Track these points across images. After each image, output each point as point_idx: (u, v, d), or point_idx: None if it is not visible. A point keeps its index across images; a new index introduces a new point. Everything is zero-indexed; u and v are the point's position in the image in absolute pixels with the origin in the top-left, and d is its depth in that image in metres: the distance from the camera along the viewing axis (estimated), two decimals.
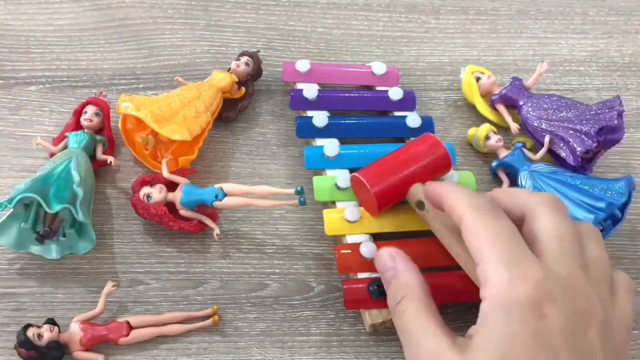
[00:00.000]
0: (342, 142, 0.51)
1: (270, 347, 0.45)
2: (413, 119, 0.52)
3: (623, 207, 0.48)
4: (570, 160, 0.50)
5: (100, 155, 0.50)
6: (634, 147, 0.56)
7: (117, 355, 0.44)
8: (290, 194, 0.46)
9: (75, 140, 0.49)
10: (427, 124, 0.53)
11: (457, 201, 0.39)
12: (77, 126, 0.51)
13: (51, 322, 0.43)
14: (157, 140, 0.51)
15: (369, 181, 0.45)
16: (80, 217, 0.44)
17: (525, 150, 0.52)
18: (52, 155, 0.50)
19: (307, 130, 0.52)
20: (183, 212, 0.47)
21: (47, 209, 0.44)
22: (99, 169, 0.51)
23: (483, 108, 0.56)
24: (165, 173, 0.48)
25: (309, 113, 0.53)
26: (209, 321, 0.45)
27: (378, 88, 0.55)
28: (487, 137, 0.53)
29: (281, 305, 0.47)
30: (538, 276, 0.34)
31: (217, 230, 0.47)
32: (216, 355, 0.45)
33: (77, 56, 0.58)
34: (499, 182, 0.53)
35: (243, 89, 0.54)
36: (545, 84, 0.59)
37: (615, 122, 0.50)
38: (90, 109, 0.51)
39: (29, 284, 0.46)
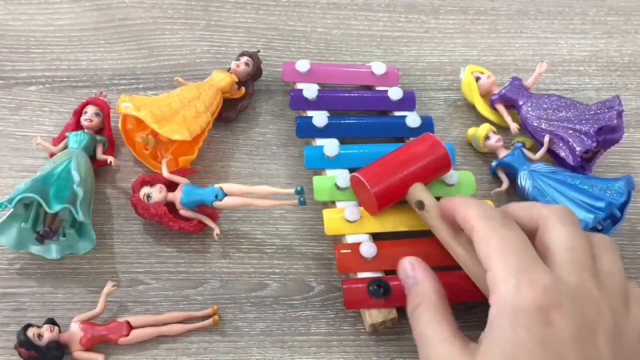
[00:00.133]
0: (342, 142, 0.51)
1: (270, 346, 0.45)
2: (413, 119, 0.52)
3: (622, 207, 0.48)
4: (570, 160, 0.50)
5: (100, 155, 0.50)
6: (634, 147, 0.56)
7: (117, 355, 0.44)
8: (290, 193, 0.46)
9: (76, 140, 0.49)
10: (427, 124, 0.53)
11: (470, 212, 0.39)
12: (77, 126, 0.51)
13: (51, 322, 0.43)
14: (157, 140, 0.51)
15: (368, 181, 0.45)
16: (80, 217, 0.44)
17: (525, 150, 0.52)
18: (52, 155, 0.50)
19: (307, 130, 0.52)
20: (183, 212, 0.47)
21: (47, 209, 0.44)
22: (99, 169, 0.51)
23: (483, 108, 0.56)
24: (165, 173, 0.48)
25: (309, 113, 0.53)
26: (209, 321, 0.45)
27: (378, 88, 0.55)
28: (487, 137, 0.53)
29: (281, 305, 0.47)
30: (546, 283, 0.35)
31: (217, 230, 0.47)
32: (216, 355, 0.45)
33: (77, 56, 0.58)
34: (498, 182, 0.53)
35: (243, 89, 0.54)
36: (545, 84, 0.59)
37: (615, 121, 0.50)
38: (90, 109, 0.51)
39: (29, 284, 0.46)
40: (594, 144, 0.49)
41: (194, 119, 0.50)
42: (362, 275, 0.45)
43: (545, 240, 0.38)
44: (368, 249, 0.45)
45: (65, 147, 0.50)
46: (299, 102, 0.53)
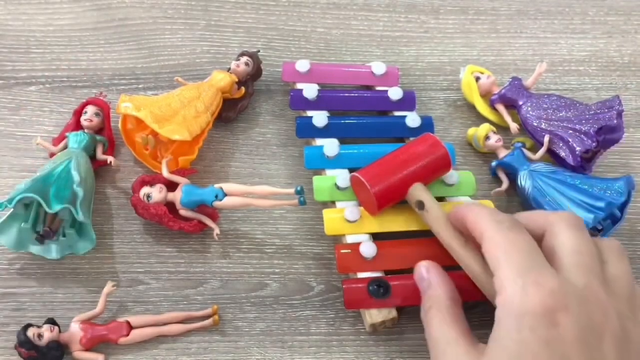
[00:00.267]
0: (342, 142, 0.51)
1: (270, 346, 0.45)
2: (413, 119, 0.52)
3: (622, 207, 0.48)
4: (570, 159, 0.50)
5: (100, 155, 0.50)
6: (633, 147, 0.56)
7: (117, 355, 0.44)
8: (290, 193, 0.46)
9: (75, 140, 0.49)
10: (427, 124, 0.53)
11: (479, 217, 0.40)
12: (77, 126, 0.51)
13: (51, 322, 0.43)
14: (157, 140, 0.51)
15: (368, 181, 0.45)
16: (80, 217, 0.44)
17: (525, 150, 0.52)
18: (52, 155, 0.50)
19: (306, 130, 0.52)
20: (183, 212, 0.47)
21: (47, 209, 0.44)
22: (99, 169, 0.51)
23: (482, 108, 0.56)
24: (165, 173, 0.48)
25: (309, 113, 0.53)
26: (209, 321, 0.45)
27: (378, 88, 0.55)
28: (487, 137, 0.53)
29: (281, 304, 0.47)
30: (553, 285, 0.35)
31: (217, 230, 0.47)
32: (216, 355, 0.45)
33: (77, 56, 0.58)
34: (498, 182, 0.53)
35: (243, 89, 0.54)
36: (545, 84, 0.59)
37: (615, 121, 0.50)
38: (90, 109, 0.51)
39: (29, 284, 0.46)
40: (593, 144, 0.49)
41: (194, 119, 0.50)
42: (362, 275, 0.45)
43: (552, 244, 0.38)
44: (368, 249, 0.45)
45: (65, 147, 0.50)
46: (299, 102, 0.53)
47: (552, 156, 0.52)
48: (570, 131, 0.51)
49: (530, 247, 0.37)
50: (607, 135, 0.50)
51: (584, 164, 0.51)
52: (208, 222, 0.48)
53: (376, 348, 0.45)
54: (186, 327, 0.45)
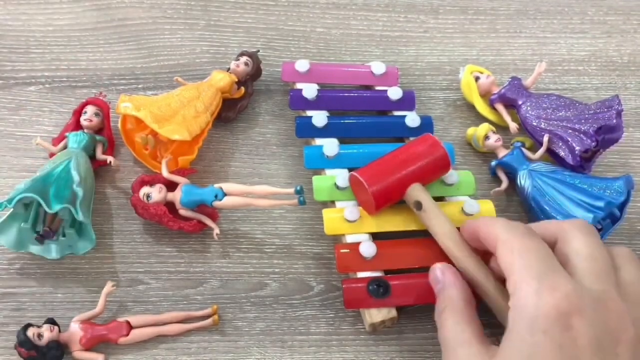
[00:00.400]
0: (342, 141, 0.51)
1: (270, 346, 0.45)
2: (412, 119, 0.52)
3: (622, 206, 0.48)
4: (569, 159, 0.50)
5: (100, 155, 0.50)
6: (633, 147, 0.56)
7: (117, 355, 0.44)
8: (289, 193, 0.46)
9: (75, 140, 0.49)
10: (427, 124, 0.53)
11: (493, 225, 0.40)
12: (77, 126, 0.51)
13: (51, 321, 0.43)
14: (156, 140, 0.51)
15: (366, 180, 0.45)
16: (80, 217, 0.44)
17: (524, 150, 0.52)
18: (51, 155, 0.50)
19: (306, 130, 0.52)
20: (183, 211, 0.47)
21: (47, 209, 0.44)
22: (98, 169, 0.51)
23: (482, 108, 0.56)
24: (165, 173, 0.48)
25: (309, 113, 0.53)
26: (208, 321, 0.45)
27: (377, 88, 0.55)
28: (486, 137, 0.53)
29: (281, 304, 0.47)
30: (568, 289, 0.35)
31: (216, 230, 0.47)
32: (216, 355, 0.45)
33: (77, 56, 0.58)
34: (498, 182, 0.53)
35: (242, 89, 0.54)
36: (544, 84, 0.59)
37: (614, 121, 0.50)
38: (90, 109, 0.51)
39: (29, 284, 0.46)
40: (593, 144, 0.49)
41: (194, 118, 0.50)
42: (361, 274, 0.45)
43: (566, 250, 0.38)
44: (368, 249, 0.45)
45: (65, 147, 0.50)
46: (299, 102, 0.53)
47: (552, 156, 0.52)
48: (570, 131, 0.51)
49: (545, 253, 0.37)
50: (607, 134, 0.50)
51: (583, 163, 0.51)
52: (208, 222, 0.48)
53: (376, 348, 0.45)
54: (186, 327, 0.45)
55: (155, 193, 0.47)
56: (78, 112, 0.51)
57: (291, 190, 0.46)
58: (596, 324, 0.34)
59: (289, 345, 0.45)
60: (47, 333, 0.42)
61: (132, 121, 0.51)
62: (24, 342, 0.42)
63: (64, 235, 0.46)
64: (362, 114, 0.55)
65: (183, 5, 0.62)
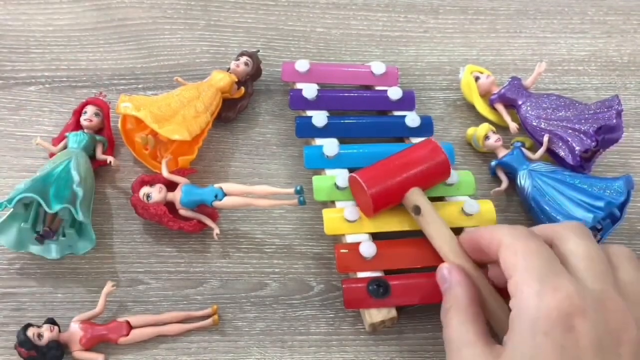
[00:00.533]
0: (342, 141, 0.51)
1: (270, 346, 0.45)
2: (412, 119, 0.52)
3: (622, 206, 0.48)
4: (569, 159, 0.50)
5: (100, 155, 0.50)
6: (633, 146, 0.56)
7: (117, 355, 0.44)
8: (289, 193, 0.46)
9: (75, 140, 0.49)
10: (426, 124, 0.53)
11: (495, 230, 0.40)
12: (77, 126, 0.51)
13: (51, 321, 0.43)
14: (156, 140, 0.51)
15: (366, 182, 0.45)
16: (80, 217, 0.44)
17: (524, 150, 0.52)
18: (51, 155, 0.50)
19: (306, 130, 0.52)
20: (183, 211, 0.47)
21: (47, 209, 0.44)
22: (98, 169, 0.51)
23: (482, 107, 0.56)
24: (165, 173, 0.48)
25: (309, 113, 0.53)
26: (208, 321, 0.45)
27: (377, 88, 0.55)
28: (486, 137, 0.53)
29: (281, 304, 0.47)
30: (569, 290, 0.35)
31: (216, 230, 0.47)
32: (216, 355, 0.45)
33: (77, 56, 0.58)
34: (498, 182, 0.53)
35: (242, 89, 0.54)
36: (544, 84, 0.59)
37: (614, 121, 0.50)
38: (90, 109, 0.51)
39: (29, 284, 0.46)
40: (593, 144, 0.49)
41: (194, 118, 0.50)
42: (361, 274, 0.45)
43: (562, 251, 0.38)
44: (367, 249, 0.45)
45: (65, 147, 0.50)
46: (299, 102, 0.53)
47: (552, 156, 0.52)
48: (570, 131, 0.51)
49: (547, 255, 0.37)
50: (607, 134, 0.50)
51: (583, 163, 0.51)
52: (208, 222, 0.48)
53: (376, 348, 0.45)
54: (186, 327, 0.45)
55: (155, 193, 0.47)
56: (78, 112, 0.51)
57: (291, 190, 0.46)
58: (598, 324, 0.34)
59: (289, 345, 0.45)
60: (47, 333, 0.42)
61: (132, 121, 0.51)
62: (24, 342, 0.42)
63: (64, 235, 0.46)
64: (362, 114, 0.55)
65: (183, 5, 0.62)
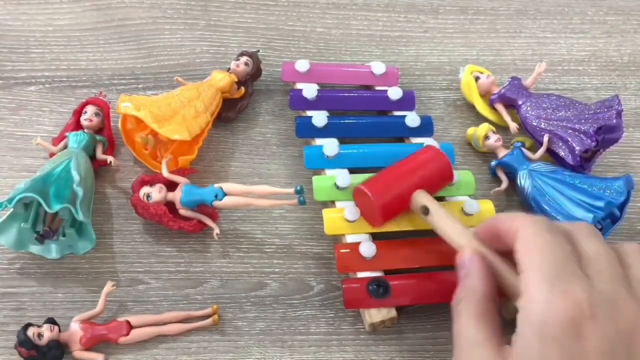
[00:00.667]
0: (342, 141, 0.51)
1: (270, 346, 0.45)
2: (412, 119, 0.52)
3: (622, 206, 0.48)
4: (569, 159, 0.50)
5: (100, 155, 0.50)
6: (633, 146, 0.56)
7: (117, 354, 0.44)
8: (289, 193, 0.46)
9: (75, 140, 0.49)
10: (426, 124, 0.53)
11: (516, 219, 0.38)
12: (77, 126, 0.51)
13: (51, 321, 0.43)
14: (156, 140, 0.51)
15: (372, 193, 0.44)
16: (80, 216, 0.44)
17: (524, 150, 0.52)
18: (51, 155, 0.50)
19: (306, 130, 0.52)
20: (183, 211, 0.47)
21: (47, 209, 0.44)
22: (99, 168, 0.51)
23: (482, 107, 0.56)
24: (165, 173, 0.48)
25: (309, 113, 0.53)
26: (208, 320, 0.45)
27: (377, 88, 0.56)
28: (486, 137, 0.53)
29: (281, 304, 0.47)
30: (580, 294, 0.33)
31: (216, 230, 0.47)
32: (216, 355, 0.45)
33: (77, 56, 0.58)
34: (498, 182, 0.53)
35: (242, 89, 0.55)
36: (544, 84, 0.59)
37: (614, 121, 0.50)
38: (90, 109, 0.51)
39: (29, 284, 0.46)
40: (593, 144, 0.49)
41: (194, 118, 0.50)
42: (361, 274, 0.45)
43: None
44: (367, 249, 0.45)
45: (65, 147, 0.50)
46: (299, 102, 0.53)
47: (552, 156, 0.52)
48: (570, 131, 0.51)
49: (564, 252, 0.36)
50: (607, 134, 0.50)
51: (583, 163, 0.51)
52: (208, 221, 0.48)
53: (376, 348, 0.45)
54: (186, 326, 0.45)
55: (155, 193, 0.47)
56: (78, 112, 0.51)
57: (291, 190, 0.46)
58: (609, 328, 0.33)
59: (289, 345, 0.45)
60: (47, 333, 0.42)
61: (132, 121, 0.51)
62: (24, 342, 0.42)
63: (64, 235, 0.46)
64: (362, 114, 0.55)
65: (183, 5, 0.62)
